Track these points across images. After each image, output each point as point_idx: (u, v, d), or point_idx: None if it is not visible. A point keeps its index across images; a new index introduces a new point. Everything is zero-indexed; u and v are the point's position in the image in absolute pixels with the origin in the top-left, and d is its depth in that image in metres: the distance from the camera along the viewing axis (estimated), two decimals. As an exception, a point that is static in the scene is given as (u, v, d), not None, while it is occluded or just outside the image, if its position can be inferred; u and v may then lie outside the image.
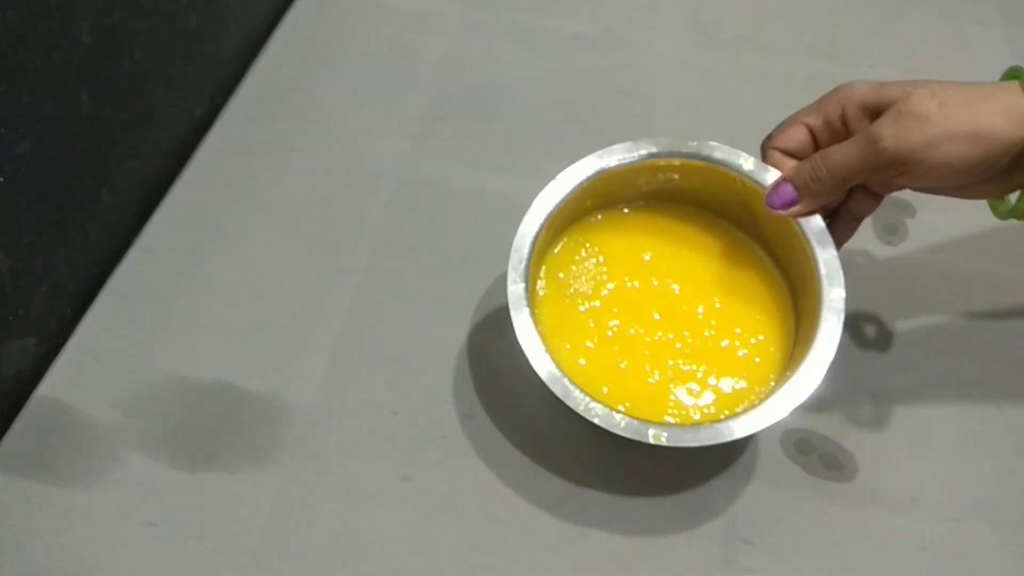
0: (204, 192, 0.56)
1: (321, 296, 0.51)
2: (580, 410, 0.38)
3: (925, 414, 0.46)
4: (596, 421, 0.38)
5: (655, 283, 0.45)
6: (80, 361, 0.47)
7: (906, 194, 0.57)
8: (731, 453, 0.44)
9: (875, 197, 0.42)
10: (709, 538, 0.41)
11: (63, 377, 0.46)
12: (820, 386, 0.38)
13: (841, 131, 0.41)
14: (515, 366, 0.47)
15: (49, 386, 0.46)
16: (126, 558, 0.40)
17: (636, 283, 0.45)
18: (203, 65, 0.60)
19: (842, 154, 0.39)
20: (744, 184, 0.43)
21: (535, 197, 0.45)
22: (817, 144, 0.42)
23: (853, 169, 0.39)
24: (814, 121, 0.41)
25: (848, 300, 0.42)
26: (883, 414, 0.46)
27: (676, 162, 0.44)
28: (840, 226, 0.43)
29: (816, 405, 0.46)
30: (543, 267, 0.46)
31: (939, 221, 0.56)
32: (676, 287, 0.45)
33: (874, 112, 0.39)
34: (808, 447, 0.45)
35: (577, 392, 0.39)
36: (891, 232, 0.55)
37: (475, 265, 0.52)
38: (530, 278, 0.42)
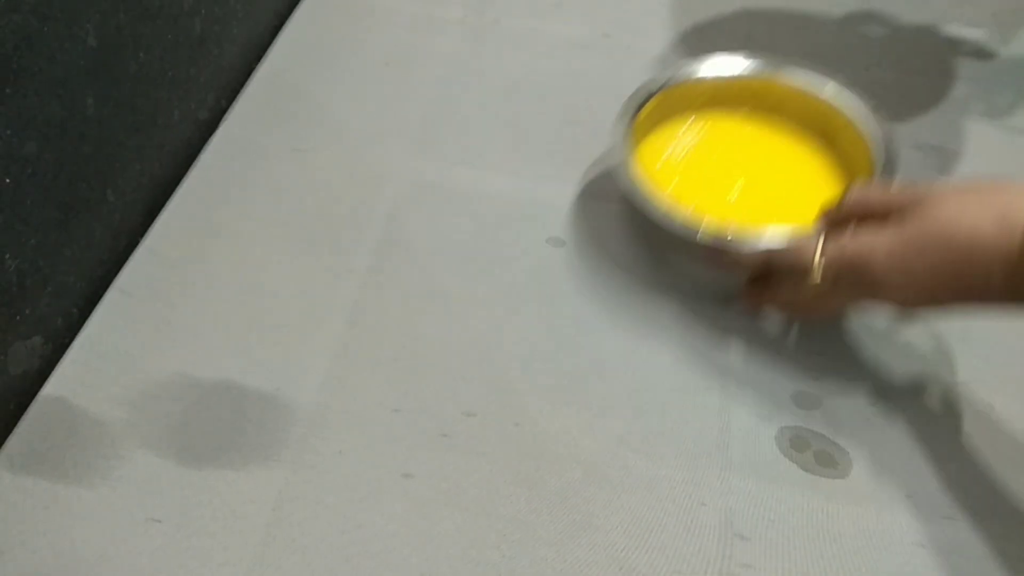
0: (209, 193, 0.57)
1: (324, 296, 0.51)
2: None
3: (919, 412, 0.47)
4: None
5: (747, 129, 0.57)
6: (86, 360, 0.48)
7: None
8: (726, 449, 0.45)
9: None
10: (706, 534, 0.42)
11: (69, 376, 0.47)
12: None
13: None
14: (515, 364, 0.48)
15: (55, 385, 0.46)
16: (131, 554, 0.40)
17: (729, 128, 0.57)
18: (207, 68, 0.61)
19: None
20: (827, 105, 0.54)
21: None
22: None
23: None
24: None
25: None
26: (877, 412, 0.47)
27: (773, 82, 0.55)
28: None
29: (811, 402, 0.47)
30: (640, 142, 0.54)
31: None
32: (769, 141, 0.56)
33: None
34: (803, 444, 0.45)
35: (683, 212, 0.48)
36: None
37: (476, 265, 0.53)
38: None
